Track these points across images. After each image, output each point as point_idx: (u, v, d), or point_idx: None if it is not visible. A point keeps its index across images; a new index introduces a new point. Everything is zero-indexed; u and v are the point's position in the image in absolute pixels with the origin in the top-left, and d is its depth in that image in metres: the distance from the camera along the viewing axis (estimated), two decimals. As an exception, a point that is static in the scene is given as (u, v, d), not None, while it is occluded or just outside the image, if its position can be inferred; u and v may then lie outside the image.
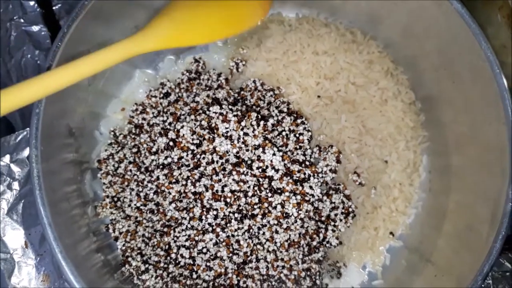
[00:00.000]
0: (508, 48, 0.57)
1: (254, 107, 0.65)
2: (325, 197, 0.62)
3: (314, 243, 0.62)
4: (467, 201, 0.61)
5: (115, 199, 0.65)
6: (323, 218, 0.62)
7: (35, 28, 0.76)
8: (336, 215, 0.62)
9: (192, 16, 0.55)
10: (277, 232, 0.58)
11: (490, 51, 0.54)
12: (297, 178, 0.58)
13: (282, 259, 0.60)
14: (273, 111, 0.64)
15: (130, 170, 0.64)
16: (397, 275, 0.66)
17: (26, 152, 0.70)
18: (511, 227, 0.58)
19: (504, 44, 0.57)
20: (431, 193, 0.68)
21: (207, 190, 0.58)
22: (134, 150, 0.65)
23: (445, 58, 0.62)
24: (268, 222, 0.58)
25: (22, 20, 0.75)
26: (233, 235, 0.58)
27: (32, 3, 0.76)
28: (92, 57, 0.48)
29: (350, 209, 0.63)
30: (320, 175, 0.61)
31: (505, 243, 0.53)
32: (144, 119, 0.66)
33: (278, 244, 0.59)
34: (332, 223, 0.62)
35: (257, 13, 0.61)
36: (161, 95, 0.68)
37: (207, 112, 0.60)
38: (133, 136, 0.66)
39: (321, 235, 0.61)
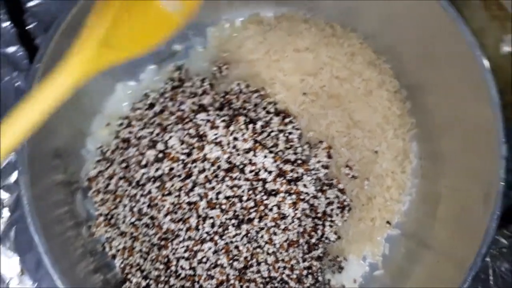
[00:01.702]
0: (487, 30, 0.58)
1: (241, 110, 0.65)
2: (319, 194, 0.62)
3: (313, 240, 0.62)
4: (459, 184, 0.62)
5: (109, 216, 0.64)
6: (319, 215, 0.62)
7: (11, 49, 0.74)
8: (332, 210, 0.62)
9: (119, 27, 0.49)
10: (275, 233, 0.58)
11: (469, 34, 0.55)
12: (290, 178, 0.58)
13: (282, 260, 0.60)
14: (261, 112, 0.64)
15: (121, 186, 0.64)
16: (397, 264, 0.67)
17: (13, 177, 0.69)
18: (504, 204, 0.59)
19: (481, 26, 0.58)
20: (424, 178, 0.68)
21: (201, 199, 0.57)
22: (124, 165, 0.64)
23: (425, 44, 0.63)
24: (266, 224, 0.58)
25: (-3, 43, 0.74)
26: (231, 242, 0.58)
27: (4, 24, 0.75)
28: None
29: (345, 203, 0.63)
30: (313, 172, 0.61)
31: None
32: (130, 132, 0.66)
33: (278, 246, 0.59)
34: (329, 219, 0.62)
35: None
36: (146, 106, 0.67)
37: (194, 120, 0.60)
38: (121, 151, 0.66)
39: (319, 232, 0.61)
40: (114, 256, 0.64)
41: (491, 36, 0.58)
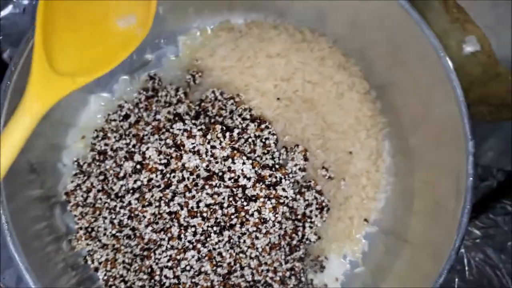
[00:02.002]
0: (449, 32, 0.60)
1: (217, 117, 0.65)
2: (298, 196, 0.63)
3: (294, 242, 0.63)
4: (431, 179, 0.64)
5: (89, 229, 0.64)
6: (299, 217, 0.63)
7: (-22, 64, 0.73)
8: (311, 211, 0.63)
9: (68, 52, 0.51)
10: (257, 238, 0.59)
11: (433, 37, 0.57)
12: (269, 183, 0.59)
13: (265, 263, 0.61)
14: (237, 119, 0.64)
15: (100, 199, 0.63)
16: (377, 260, 0.68)
17: (-13, 195, 0.67)
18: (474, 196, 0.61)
19: (445, 28, 0.60)
20: (398, 176, 0.70)
21: (182, 208, 0.57)
22: (101, 177, 0.64)
23: (392, 46, 0.65)
24: (247, 229, 0.58)
25: (-37, 58, 0.72)
26: (214, 249, 0.58)
27: (-30, 38, 0.73)
28: None
29: (324, 204, 0.64)
30: (291, 175, 0.62)
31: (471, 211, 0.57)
32: (106, 144, 0.65)
33: (260, 250, 0.60)
34: (309, 220, 0.63)
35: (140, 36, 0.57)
36: (121, 117, 0.67)
37: (171, 130, 0.60)
38: (97, 164, 0.65)
39: (299, 233, 0.63)
40: (96, 269, 0.64)
41: (453, 38, 0.61)
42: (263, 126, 0.64)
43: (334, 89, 0.69)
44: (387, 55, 0.67)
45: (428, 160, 0.65)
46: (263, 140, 0.63)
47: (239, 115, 0.65)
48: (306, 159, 0.65)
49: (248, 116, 0.65)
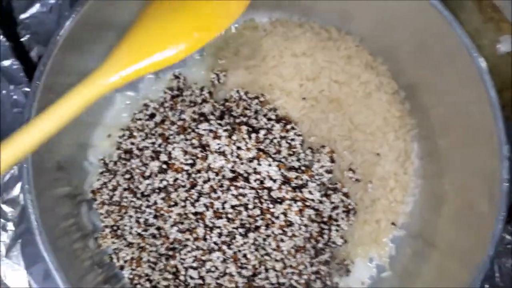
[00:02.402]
0: (482, 31, 0.58)
1: (241, 117, 0.65)
2: (324, 198, 0.62)
3: (320, 245, 0.62)
4: (461, 182, 0.63)
5: (115, 228, 0.64)
6: (325, 219, 0.62)
7: (6, 62, 0.74)
8: (337, 214, 0.62)
9: (155, 35, 0.50)
10: (282, 240, 0.59)
11: (466, 36, 0.55)
12: (295, 185, 0.58)
13: (290, 266, 0.60)
14: (262, 119, 0.64)
15: (126, 197, 0.64)
16: (404, 264, 0.67)
17: (16, 191, 0.69)
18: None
19: (478, 28, 0.58)
20: (426, 178, 0.69)
21: (207, 209, 0.57)
22: (127, 176, 0.64)
23: (421, 45, 0.63)
24: (273, 232, 0.58)
25: (-9, 57, 0.74)
26: (239, 250, 0.58)
27: (-1, 37, 0.74)
28: (45, 117, 0.45)
29: (350, 207, 0.63)
30: (317, 177, 0.62)
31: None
32: (132, 143, 0.66)
33: (285, 252, 0.59)
34: (335, 223, 0.62)
35: (227, 12, 0.55)
36: (146, 117, 0.67)
37: (196, 130, 0.60)
38: (123, 162, 0.66)
39: (325, 237, 0.62)
40: (122, 267, 0.64)
41: (486, 37, 0.59)
42: (288, 127, 0.63)
43: (362, 88, 0.67)
44: (416, 55, 0.65)
45: (459, 163, 0.63)
46: (289, 141, 0.62)
47: (264, 115, 0.64)
48: (332, 161, 0.64)
49: (273, 117, 0.64)
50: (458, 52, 0.57)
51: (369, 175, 0.66)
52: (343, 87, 0.67)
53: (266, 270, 0.60)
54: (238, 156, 0.58)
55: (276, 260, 0.60)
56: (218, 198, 0.58)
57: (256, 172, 0.58)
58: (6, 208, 0.68)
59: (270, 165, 0.58)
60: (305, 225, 0.59)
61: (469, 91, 0.58)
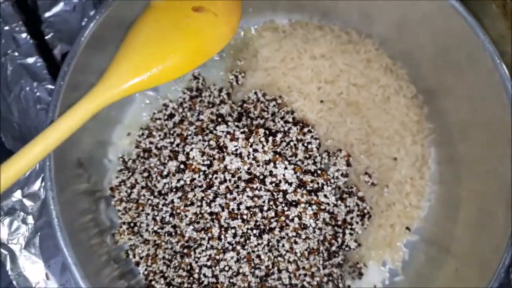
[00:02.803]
0: (506, 38, 0.57)
1: (259, 119, 0.65)
2: (339, 202, 0.62)
3: (333, 248, 0.62)
4: (479, 189, 0.62)
5: (132, 224, 0.66)
6: (339, 223, 0.62)
7: (30, 60, 0.75)
8: (352, 218, 0.62)
9: (154, 53, 0.53)
10: (296, 242, 0.59)
11: (489, 42, 0.55)
12: (311, 189, 0.58)
13: (303, 268, 0.61)
14: (279, 122, 0.64)
15: (144, 195, 0.65)
16: (417, 269, 0.67)
17: (36, 185, 0.70)
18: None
19: (502, 34, 0.57)
20: (442, 184, 0.68)
21: (223, 210, 0.58)
22: (145, 174, 0.66)
23: (441, 49, 0.63)
24: (287, 234, 0.58)
25: (16, 54, 0.75)
26: (253, 251, 0.59)
27: (24, 35, 0.76)
28: (55, 127, 0.49)
29: (365, 211, 0.63)
30: (333, 181, 0.62)
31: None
32: (151, 142, 0.67)
33: (299, 254, 0.60)
34: (349, 227, 0.62)
35: (224, 34, 0.59)
36: (165, 116, 0.68)
37: (214, 132, 0.61)
38: (142, 161, 0.67)
39: (339, 240, 0.62)
40: (137, 263, 0.65)
41: (510, 44, 0.58)
42: (305, 130, 0.63)
43: (380, 92, 0.67)
44: (436, 59, 0.65)
45: (477, 169, 0.63)
46: (305, 144, 0.62)
47: (281, 118, 0.64)
48: (348, 165, 0.64)
49: (290, 119, 0.65)
50: (480, 58, 0.57)
51: (386, 179, 0.66)
52: (361, 91, 0.67)
53: (279, 271, 0.60)
54: (254, 158, 0.59)
55: (289, 262, 0.60)
56: (234, 199, 0.58)
57: (272, 175, 0.58)
58: (27, 202, 0.70)
59: (286, 168, 0.58)
60: (320, 228, 0.59)
61: (489, 98, 0.58)
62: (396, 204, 0.66)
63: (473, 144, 0.63)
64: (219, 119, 0.65)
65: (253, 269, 0.59)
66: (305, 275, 0.61)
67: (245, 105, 0.67)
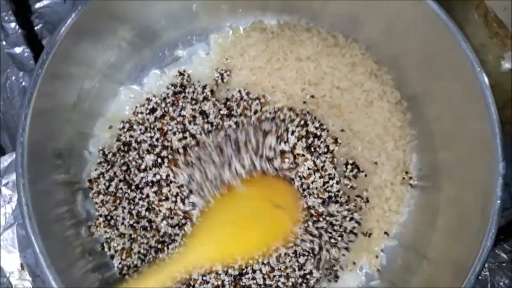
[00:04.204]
0: (488, 46, 0.57)
1: (242, 117, 0.65)
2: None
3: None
4: (457, 196, 0.62)
5: (108, 217, 0.65)
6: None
7: (18, 49, 0.75)
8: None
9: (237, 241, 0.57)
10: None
11: (470, 50, 0.55)
12: None
13: (279, 269, 0.60)
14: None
15: (121, 188, 0.64)
16: (394, 274, 0.67)
17: (15, 175, 0.70)
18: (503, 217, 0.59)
19: (483, 43, 0.57)
20: (423, 190, 0.68)
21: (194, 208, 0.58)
22: (124, 168, 0.65)
23: (426, 56, 0.63)
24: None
25: (4, 43, 0.75)
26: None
27: (13, 24, 0.76)
28: None
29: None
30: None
31: (499, 233, 0.54)
32: (131, 136, 0.66)
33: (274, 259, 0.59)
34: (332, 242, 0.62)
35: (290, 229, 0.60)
36: (147, 110, 0.67)
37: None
38: (122, 154, 0.66)
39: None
40: (112, 256, 0.65)
41: (491, 53, 0.58)
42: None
43: (363, 97, 0.67)
44: (421, 66, 0.65)
45: (456, 177, 0.62)
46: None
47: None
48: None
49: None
50: (462, 66, 0.57)
51: (365, 183, 0.66)
52: (345, 94, 0.67)
53: (253, 271, 0.60)
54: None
55: (263, 264, 0.60)
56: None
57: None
58: (5, 191, 0.69)
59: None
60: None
61: (470, 106, 0.58)
62: (375, 208, 0.66)
63: (453, 152, 0.63)
64: (201, 116, 0.64)
65: (226, 268, 0.59)
66: (280, 275, 0.61)
67: (228, 103, 0.67)
